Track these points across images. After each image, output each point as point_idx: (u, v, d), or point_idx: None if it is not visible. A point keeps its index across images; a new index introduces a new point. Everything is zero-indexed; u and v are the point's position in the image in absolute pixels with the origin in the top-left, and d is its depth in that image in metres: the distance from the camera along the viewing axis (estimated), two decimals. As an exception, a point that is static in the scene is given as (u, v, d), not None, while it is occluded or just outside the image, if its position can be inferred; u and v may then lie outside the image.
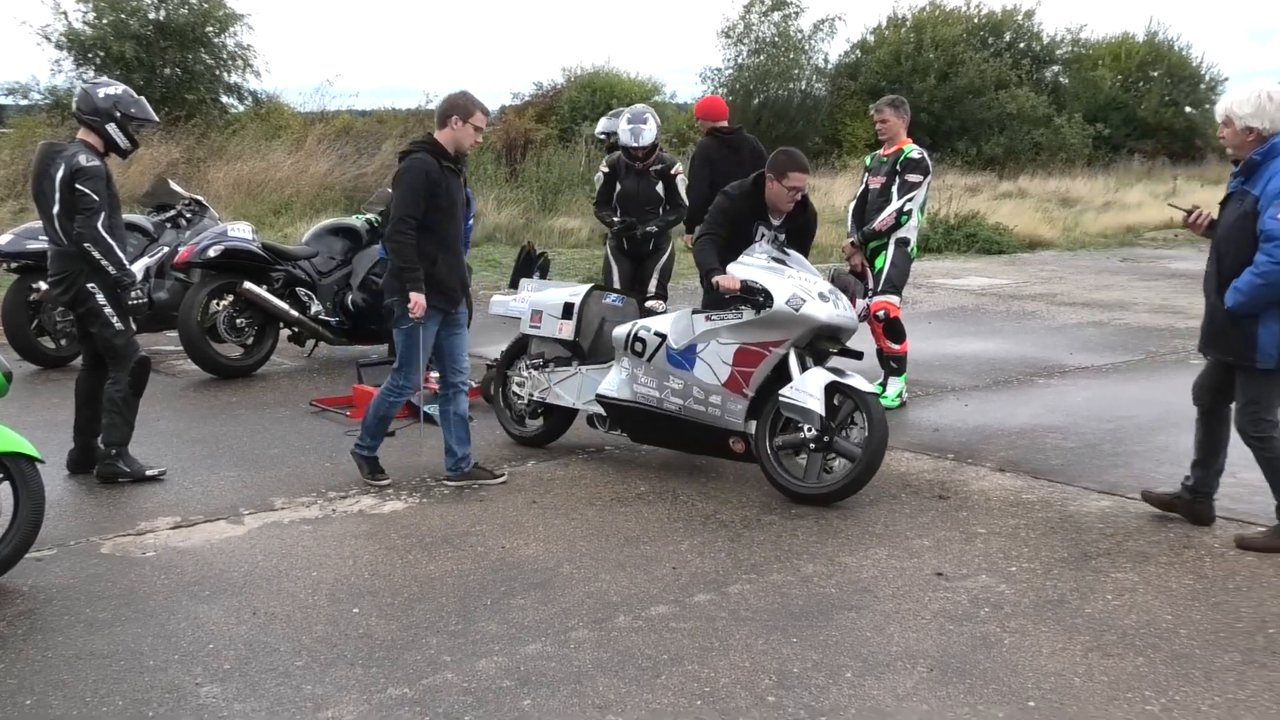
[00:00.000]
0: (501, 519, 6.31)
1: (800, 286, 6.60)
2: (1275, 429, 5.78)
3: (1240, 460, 6.05)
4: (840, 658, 4.63)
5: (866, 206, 8.88)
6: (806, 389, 6.42)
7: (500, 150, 24.64)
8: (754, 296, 6.59)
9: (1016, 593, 5.28)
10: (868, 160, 9.18)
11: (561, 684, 4.42)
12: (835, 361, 6.85)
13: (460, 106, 6.60)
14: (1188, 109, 49.39)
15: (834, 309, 6.64)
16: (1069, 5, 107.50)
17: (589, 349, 7.57)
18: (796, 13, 38.66)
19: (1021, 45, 46.00)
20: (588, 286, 7.74)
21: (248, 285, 9.56)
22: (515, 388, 7.77)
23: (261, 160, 20.73)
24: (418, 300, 6.49)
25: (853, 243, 8.94)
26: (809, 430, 6.44)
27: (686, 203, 9.49)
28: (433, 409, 7.52)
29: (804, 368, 6.56)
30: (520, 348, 7.85)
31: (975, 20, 44.80)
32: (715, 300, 7.05)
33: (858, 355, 7.02)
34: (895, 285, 8.72)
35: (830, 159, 33.76)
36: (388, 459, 6.99)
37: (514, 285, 8.36)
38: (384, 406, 6.87)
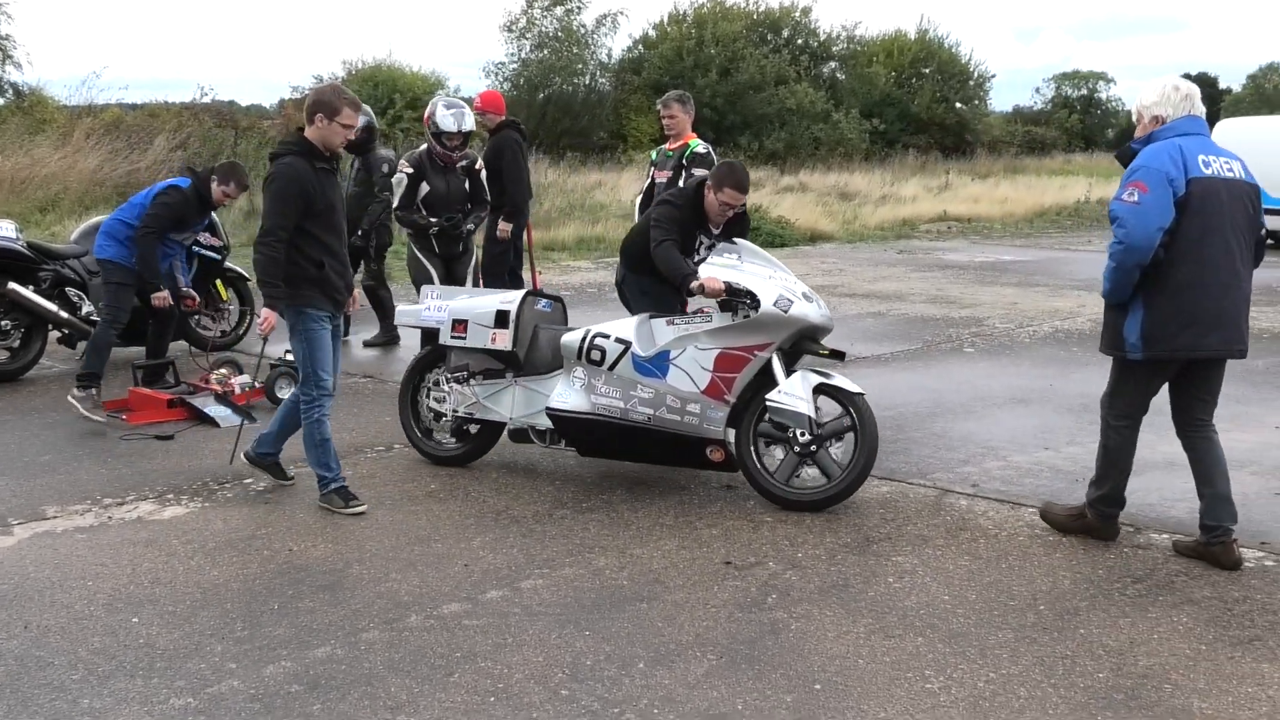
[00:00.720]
0: (288, 521, 6.08)
1: (785, 287, 6.33)
2: (1130, 426, 5.64)
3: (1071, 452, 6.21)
4: (632, 648, 4.59)
5: (654, 201, 8.87)
6: (795, 392, 6.13)
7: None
8: (739, 299, 6.24)
9: (802, 579, 5.32)
10: (653, 155, 9.17)
11: (352, 687, 4.27)
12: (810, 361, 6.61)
13: (326, 104, 6.05)
14: (958, 105, 51.37)
15: (819, 309, 6.41)
16: (844, 3, 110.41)
17: (524, 359, 6.89)
18: (579, 8, 38.75)
19: (799, 42, 47.05)
20: (521, 293, 7.01)
21: (12, 286, 9.00)
22: (433, 404, 7.02)
23: (25, 155, 19.78)
24: (269, 316, 6.08)
25: None
26: (801, 435, 6.19)
27: (489, 198, 9.42)
28: (217, 411, 7.24)
29: (787, 371, 6.29)
30: (431, 360, 7.14)
31: (754, 16, 45.52)
32: (663, 304, 6.94)
33: (840, 356, 6.67)
34: None
35: (616, 154, 33.93)
36: (166, 463, 6.69)
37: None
38: (313, 430, 6.19)
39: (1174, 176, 5.23)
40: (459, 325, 6.85)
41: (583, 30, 39.15)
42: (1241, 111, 55.52)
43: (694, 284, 6.34)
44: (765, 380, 6.29)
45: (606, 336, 6.57)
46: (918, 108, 48.77)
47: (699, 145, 8.58)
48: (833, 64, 48.55)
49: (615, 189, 24.52)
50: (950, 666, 4.45)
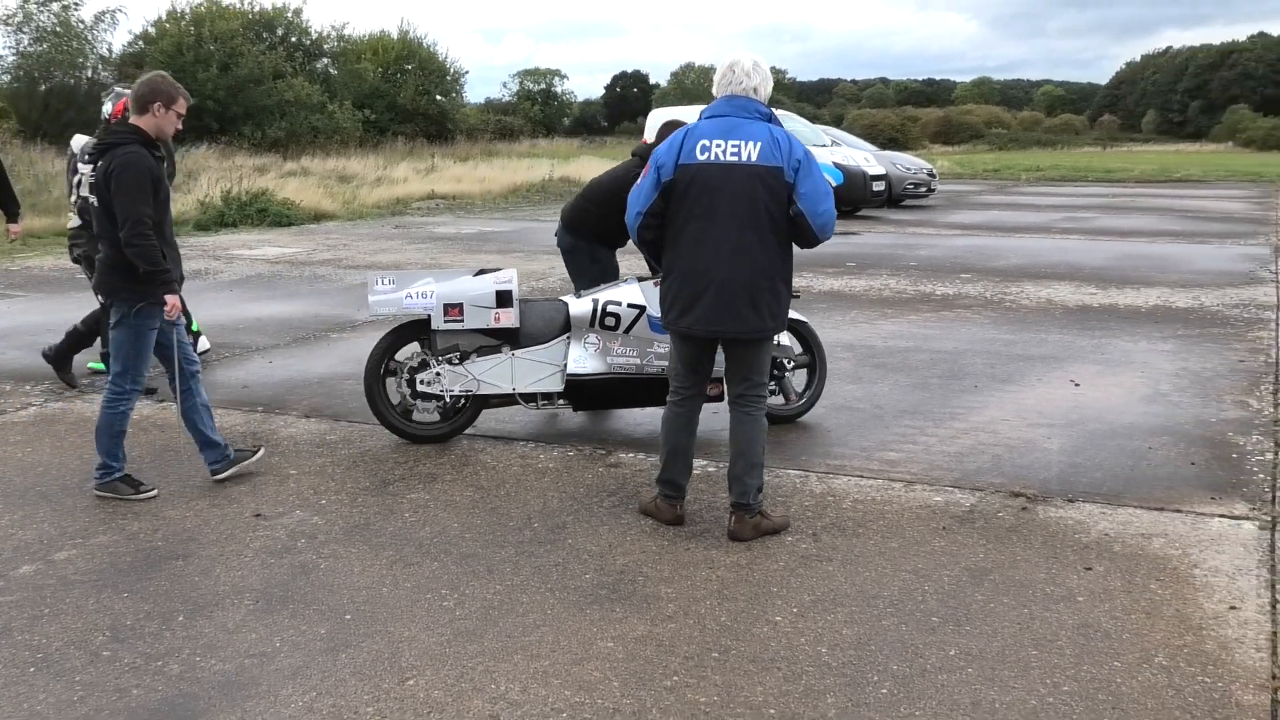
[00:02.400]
0: None
1: None
2: (679, 401, 5.31)
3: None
4: (171, 604, 4.41)
5: None
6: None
7: None
8: None
9: (328, 522, 5.31)
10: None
11: (-122, 678, 3.84)
12: None
13: (164, 92, 5.51)
14: (439, 97, 52.04)
15: None
16: (332, 4, 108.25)
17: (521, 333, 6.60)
18: (76, 4, 35.82)
19: (293, 40, 45.87)
20: (513, 271, 6.58)
21: None
22: (422, 387, 6.51)
23: None
24: (175, 303, 5.53)
25: None
26: (788, 363, 6.93)
27: None
28: None
29: None
30: (392, 345, 6.57)
31: (250, 15, 43.95)
32: (610, 269, 7.27)
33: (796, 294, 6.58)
34: None
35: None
36: None
37: None
38: (115, 421, 5.63)
39: (664, 163, 4.96)
40: (453, 309, 6.44)
41: (82, 25, 36.13)
42: (669, 102, 59.87)
43: None
44: None
45: (619, 304, 6.56)
46: (404, 100, 49.05)
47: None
48: (325, 60, 47.67)
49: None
50: (463, 584, 4.60)
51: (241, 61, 39.62)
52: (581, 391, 6.64)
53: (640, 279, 6.69)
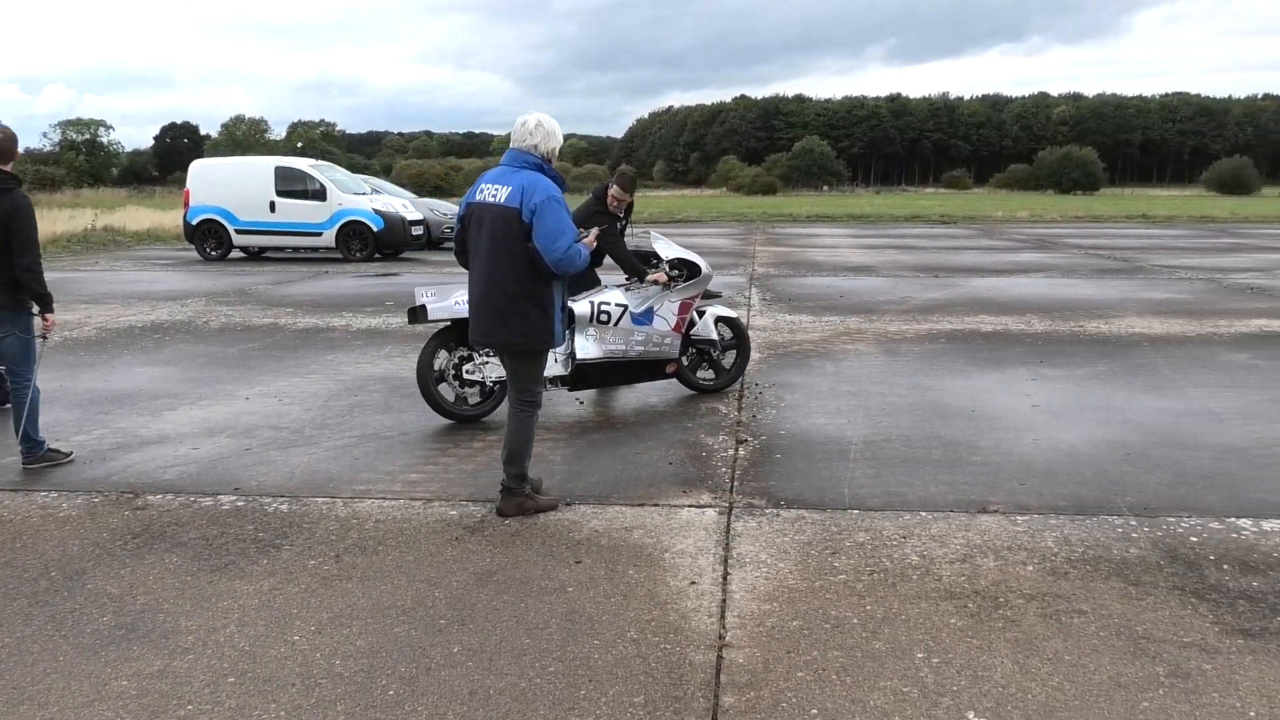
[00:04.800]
0: None
1: (700, 257, 8.58)
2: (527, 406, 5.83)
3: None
4: None
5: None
6: (709, 325, 8.71)
7: None
8: (683, 268, 8.33)
9: None
10: None
11: None
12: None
13: (15, 140, 6.35)
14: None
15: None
16: None
17: None
18: None
19: None
20: None
21: None
22: (467, 375, 7.74)
23: None
24: (52, 319, 6.53)
25: None
26: (714, 352, 8.73)
27: None
28: None
29: (700, 313, 8.64)
30: (438, 346, 7.67)
31: None
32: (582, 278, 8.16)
33: (717, 295, 9.23)
34: None
35: None
36: None
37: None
38: (32, 404, 6.54)
39: (465, 201, 5.71)
40: None
41: None
42: (220, 152, 57.19)
43: (651, 271, 8.21)
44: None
45: (609, 304, 7.98)
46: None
47: None
48: None
49: None
50: (-33, 641, 4.21)
51: None
52: (584, 372, 7.92)
53: (619, 285, 8.16)
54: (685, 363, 8.56)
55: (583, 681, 3.87)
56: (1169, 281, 18.02)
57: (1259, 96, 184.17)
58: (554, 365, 7.73)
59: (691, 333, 8.54)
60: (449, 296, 7.53)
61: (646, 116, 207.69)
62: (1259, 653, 4.06)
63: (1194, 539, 5.29)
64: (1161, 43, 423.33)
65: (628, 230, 8.83)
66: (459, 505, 5.88)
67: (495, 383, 7.72)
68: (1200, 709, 3.64)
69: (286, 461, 6.73)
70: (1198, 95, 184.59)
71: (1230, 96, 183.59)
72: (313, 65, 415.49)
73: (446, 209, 27.41)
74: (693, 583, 4.77)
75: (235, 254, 23.55)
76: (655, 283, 8.12)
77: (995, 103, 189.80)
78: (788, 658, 4.04)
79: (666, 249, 8.40)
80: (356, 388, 9.03)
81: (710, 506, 5.84)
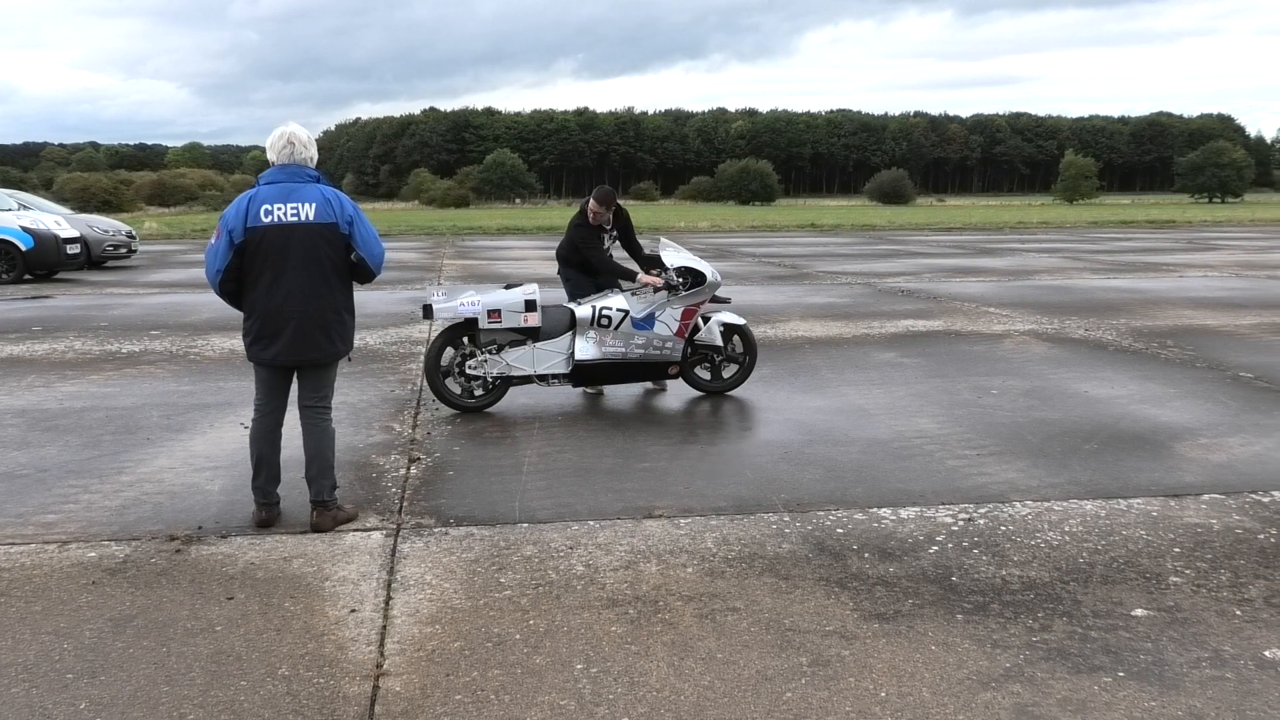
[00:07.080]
0: None
1: (706, 263, 8.75)
2: (260, 417, 5.76)
3: None
4: None
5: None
6: (714, 330, 8.92)
7: None
8: (688, 276, 8.53)
9: None
10: None
11: None
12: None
13: None
14: None
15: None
16: None
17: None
18: None
19: None
20: (534, 286, 8.40)
21: None
22: (470, 370, 8.25)
23: None
24: None
25: None
26: (717, 357, 8.98)
27: None
28: None
29: (705, 318, 8.87)
30: (445, 344, 8.27)
31: None
32: (582, 286, 9.20)
33: (727, 300, 9.32)
34: None
35: None
36: None
37: None
38: None
39: (234, 227, 5.40)
40: (494, 314, 8.19)
41: None
42: None
43: (641, 276, 8.65)
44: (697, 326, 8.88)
45: (610, 308, 8.44)
46: None
47: None
48: None
49: None
50: None
51: None
52: (583, 372, 8.38)
53: (622, 290, 8.59)
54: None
55: (224, 728, 3.63)
56: (831, 286, 19.27)
57: (911, 114, 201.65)
58: (555, 364, 8.37)
59: (696, 337, 8.89)
60: (455, 297, 8.21)
61: (334, 128, 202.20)
62: (892, 635, 4.34)
63: (840, 530, 5.61)
64: (827, 63, 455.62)
65: (640, 237, 9.61)
66: (99, 546, 5.42)
67: (495, 379, 8.33)
68: (838, 695, 3.84)
69: (-104, 510, 6.00)
70: (859, 112, 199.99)
71: (887, 114, 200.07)
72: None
73: (108, 225, 25.52)
74: (353, 611, 4.59)
75: None
76: (647, 285, 8.55)
77: (678, 117, 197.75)
78: (446, 681, 3.95)
79: (673, 256, 8.73)
80: (-10, 423, 8.20)
81: (377, 529, 5.66)
